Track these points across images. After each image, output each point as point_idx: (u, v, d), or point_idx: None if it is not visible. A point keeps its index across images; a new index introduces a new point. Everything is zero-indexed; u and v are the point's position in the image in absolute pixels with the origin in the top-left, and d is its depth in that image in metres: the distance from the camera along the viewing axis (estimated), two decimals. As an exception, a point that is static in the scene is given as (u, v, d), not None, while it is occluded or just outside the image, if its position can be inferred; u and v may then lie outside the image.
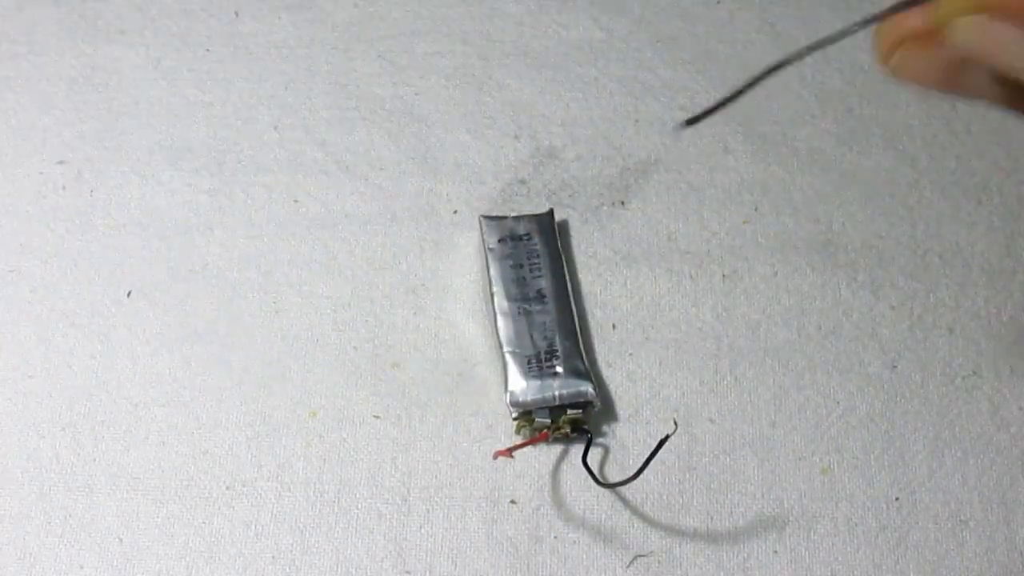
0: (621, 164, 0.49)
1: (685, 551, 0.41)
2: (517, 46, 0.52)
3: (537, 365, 0.42)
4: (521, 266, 0.44)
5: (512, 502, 0.41)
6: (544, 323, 0.43)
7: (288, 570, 0.40)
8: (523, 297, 0.44)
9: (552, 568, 0.41)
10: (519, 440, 0.42)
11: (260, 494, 0.42)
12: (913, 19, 0.33)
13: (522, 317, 0.43)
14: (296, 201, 0.48)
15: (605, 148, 0.49)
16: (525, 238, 0.45)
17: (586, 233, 0.47)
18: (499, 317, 0.43)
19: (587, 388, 0.42)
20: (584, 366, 0.43)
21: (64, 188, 0.48)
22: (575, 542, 0.41)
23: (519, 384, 0.42)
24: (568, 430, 0.42)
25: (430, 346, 0.44)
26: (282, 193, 0.48)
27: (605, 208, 0.48)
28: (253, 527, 0.41)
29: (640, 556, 0.41)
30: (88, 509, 0.41)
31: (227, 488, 0.42)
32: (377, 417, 0.43)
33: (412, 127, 0.50)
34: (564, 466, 0.42)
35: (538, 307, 0.44)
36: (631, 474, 0.40)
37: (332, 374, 0.44)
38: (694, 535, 0.41)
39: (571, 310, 0.44)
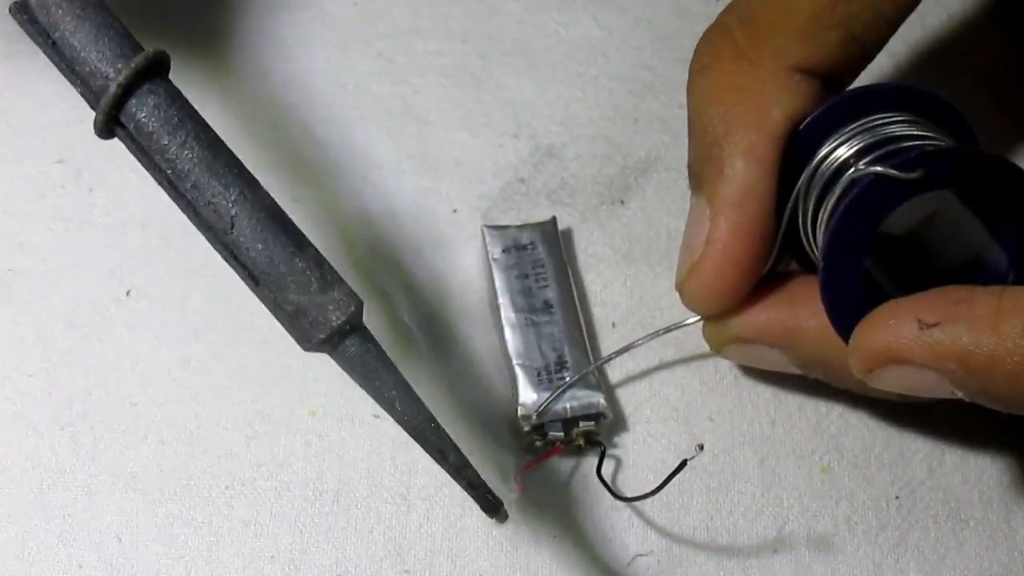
0: (621, 163, 0.49)
1: (685, 551, 0.41)
2: (516, 44, 0.52)
3: (547, 377, 0.42)
4: (526, 276, 0.44)
5: (512, 502, 0.41)
6: (552, 334, 0.43)
7: (287, 569, 0.40)
8: (530, 308, 0.43)
9: (552, 568, 0.41)
10: (526, 447, 0.42)
11: (259, 493, 0.42)
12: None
13: (530, 328, 0.43)
14: (295, 200, 0.47)
15: (605, 147, 0.49)
16: (529, 247, 0.45)
17: (586, 232, 0.47)
18: (506, 329, 0.43)
19: (598, 399, 0.42)
20: (594, 376, 0.42)
21: (63, 187, 0.48)
22: (575, 542, 0.41)
23: (530, 397, 0.42)
24: (581, 443, 0.42)
25: (430, 345, 0.44)
26: (281, 192, 0.47)
27: (605, 207, 0.48)
28: (252, 526, 0.41)
29: (640, 556, 0.41)
30: (87, 508, 0.41)
31: (226, 487, 0.42)
32: (377, 416, 0.43)
33: (411, 126, 0.49)
34: (564, 466, 0.42)
35: (545, 318, 0.43)
36: (640, 483, 0.40)
37: (331, 373, 0.44)
38: (694, 535, 0.41)
39: (578, 320, 0.44)
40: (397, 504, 0.42)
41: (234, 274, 0.46)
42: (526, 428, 0.42)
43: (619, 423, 0.43)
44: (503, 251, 0.45)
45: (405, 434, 0.43)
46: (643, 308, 0.45)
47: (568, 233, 0.47)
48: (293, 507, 0.41)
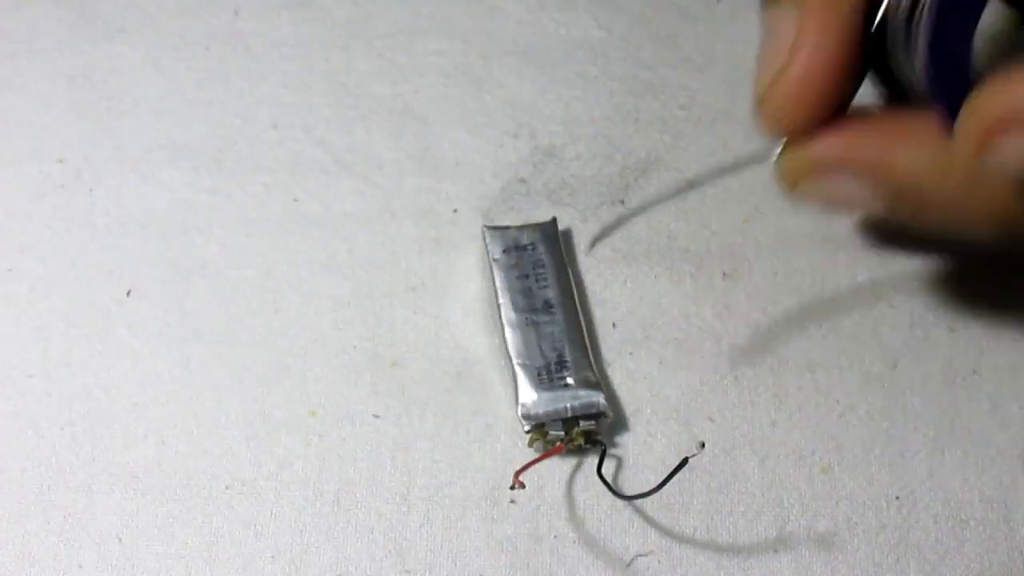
0: (621, 163, 0.49)
1: (685, 551, 0.41)
2: (517, 44, 0.52)
3: (548, 377, 0.42)
4: (527, 276, 0.44)
5: (512, 502, 0.41)
6: (552, 334, 0.43)
7: (287, 569, 0.40)
8: (530, 308, 0.43)
9: (552, 568, 0.41)
10: (527, 446, 0.42)
11: (259, 493, 0.42)
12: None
13: (530, 328, 0.43)
14: (295, 200, 0.48)
15: (605, 147, 0.49)
16: (529, 248, 0.45)
17: (586, 232, 0.47)
18: (507, 328, 0.43)
19: (599, 399, 0.42)
20: (595, 376, 0.42)
21: (63, 186, 0.48)
22: (575, 542, 0.41)
23: (530, 396, 0.42)
24: (581, 442, 0.42)
25: (430, 345, 0.44)
26: (281, 192, 0.48)
27: (605, 207, 0.48)
28: (252, 526, 0.41)
29: (640, 556, 0.41)
30: (87, 508, 0.41)
31: (226, 487, 0.42)
32: (377, 416, 0.43)
33: (411, 125, 0.50)
34: (564, 466, 0.42)
35: (545, 318, 0.43)
36: (641, 482, 0.39)
37: (331, 373, 0.44)
38: (694, 535, 0.41)
39: (578, 320, 0.44)
40: (397, 504, 0.42)
41: (234, 274, 0.46)
42: (526, 428, 0.42)
43: (619, 423, 0.43)
44: (503, 251, 0.45)
45: (405, 434, 0.43)
46: (643, 308, 0.45)
47: (568, 233, 0.47)
48: (293, 507, 0.41)
